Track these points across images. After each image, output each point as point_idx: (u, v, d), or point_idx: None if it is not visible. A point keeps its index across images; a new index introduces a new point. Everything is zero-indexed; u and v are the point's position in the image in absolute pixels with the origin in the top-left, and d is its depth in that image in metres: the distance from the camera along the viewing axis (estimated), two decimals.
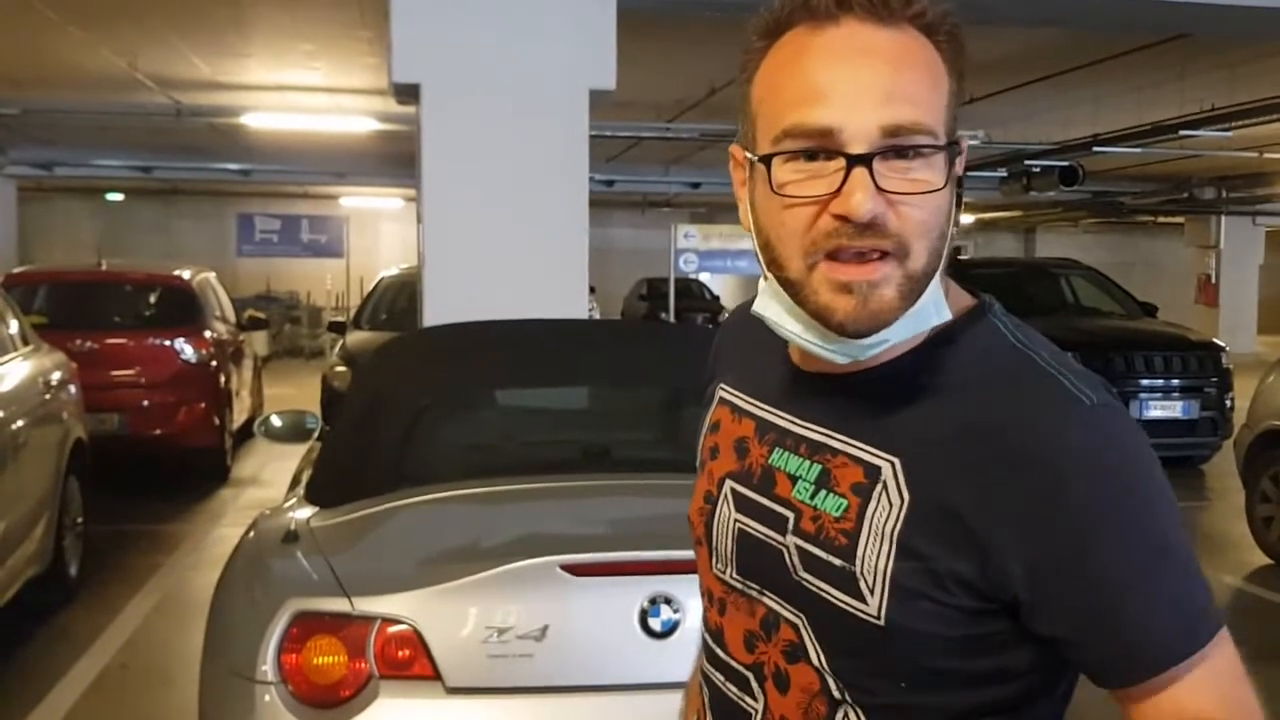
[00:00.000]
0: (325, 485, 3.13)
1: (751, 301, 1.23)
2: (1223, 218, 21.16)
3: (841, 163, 0.99)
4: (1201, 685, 0.98)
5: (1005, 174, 15.21)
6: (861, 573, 1.03)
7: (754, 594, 1.13)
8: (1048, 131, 13.62)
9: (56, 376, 5.78)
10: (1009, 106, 11.63)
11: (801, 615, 1.08)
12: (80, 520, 5.89)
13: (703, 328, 15.04)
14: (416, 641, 2.38)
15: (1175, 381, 9.37)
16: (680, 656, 2.40)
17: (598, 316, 14.64)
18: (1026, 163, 14.49)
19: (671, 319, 14.19)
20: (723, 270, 14.04)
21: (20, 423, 5.01)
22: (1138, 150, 13.33)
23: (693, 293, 21.27)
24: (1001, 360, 1.05)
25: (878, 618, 1.02)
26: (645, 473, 3.29)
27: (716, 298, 23.11)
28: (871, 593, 1.02)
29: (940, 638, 1.01)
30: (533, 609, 2.40)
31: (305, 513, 2.96)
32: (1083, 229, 26.55)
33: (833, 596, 1.05)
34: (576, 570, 2.44)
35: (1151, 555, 0.97)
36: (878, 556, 1.02)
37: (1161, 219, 23.94)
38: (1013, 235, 28.27)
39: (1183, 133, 11.78)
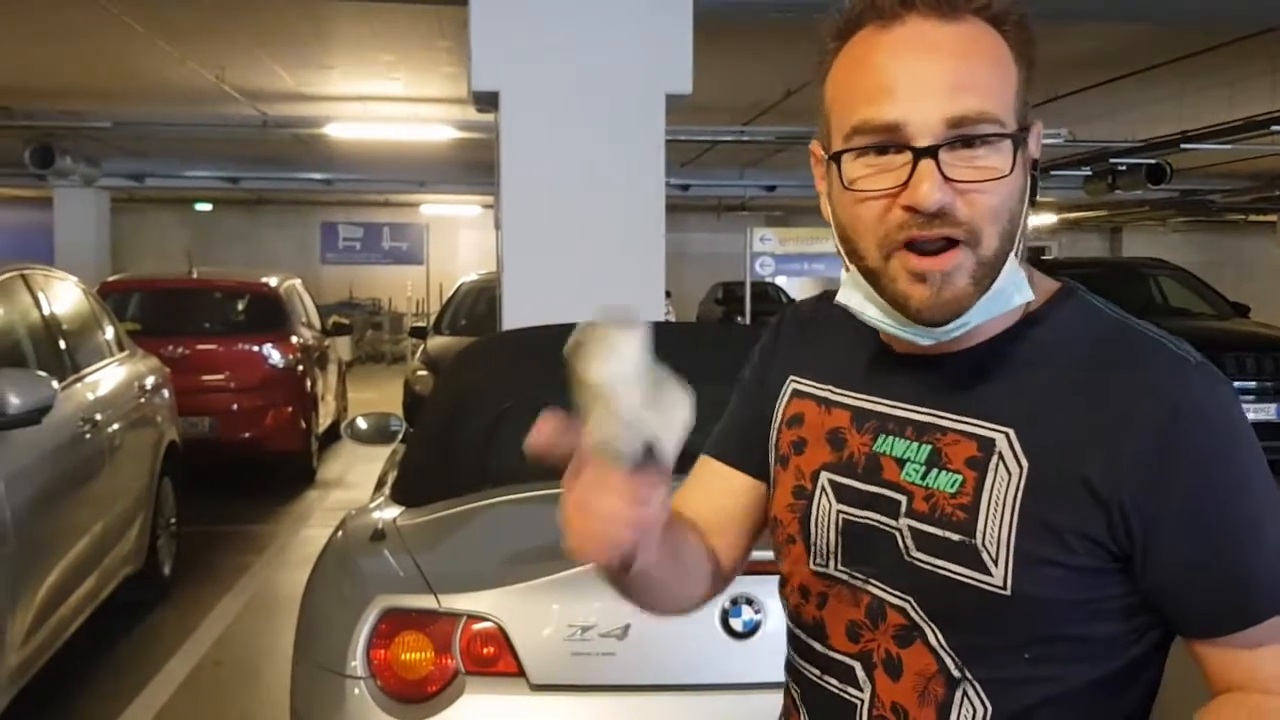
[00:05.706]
0: (410, 485, 3.18)
1: (810, 299, 1.29)
2: None
3: (909, 156, 1.02)
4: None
5: (1090, 173, 14.91)
6: (984, 544, 1.05)
7: (859, 584, 1.14)
8: (1133, 129, 13.34)
9: (151, 381, 5.95)
10: (1093, 104, 11.41)
11: (909, 598, 1.10)
12: (173, 521, 6.06)
13: None
14: (501, 638, 2.41)
15: (1268, 384, 9.14)
16: (761, 657, 2.42)
17: (673, 321, 14.64)
18: (1112, 161, 14.20)
19: (748, 324, 14.14)
20: (799, 273, 13.92)
21: (117, 425, 5.17)
22: (1227, 147, 13.00)
23: (769, 296, 21.12)
24: (1103, 329, 1.09)
25: (1004, 588, 1.04)
26: None
27: (793, 301, 22.95)
28: (995, 563, 1.04)
29: (1065, 602, 1.04)
30: (615, 608, 2.40)
31: (391, 512, 3.01)
32: (1170, 228, 25.93)
33: (953, 572, 1.06)
34: None
35: (1264, 506, 1.02)
36: (1000, 527, 1.04)
37: (1253, 217, 23.31)
38: (1098, 235, 27.70)
39: (1274, 129, 11.46)
